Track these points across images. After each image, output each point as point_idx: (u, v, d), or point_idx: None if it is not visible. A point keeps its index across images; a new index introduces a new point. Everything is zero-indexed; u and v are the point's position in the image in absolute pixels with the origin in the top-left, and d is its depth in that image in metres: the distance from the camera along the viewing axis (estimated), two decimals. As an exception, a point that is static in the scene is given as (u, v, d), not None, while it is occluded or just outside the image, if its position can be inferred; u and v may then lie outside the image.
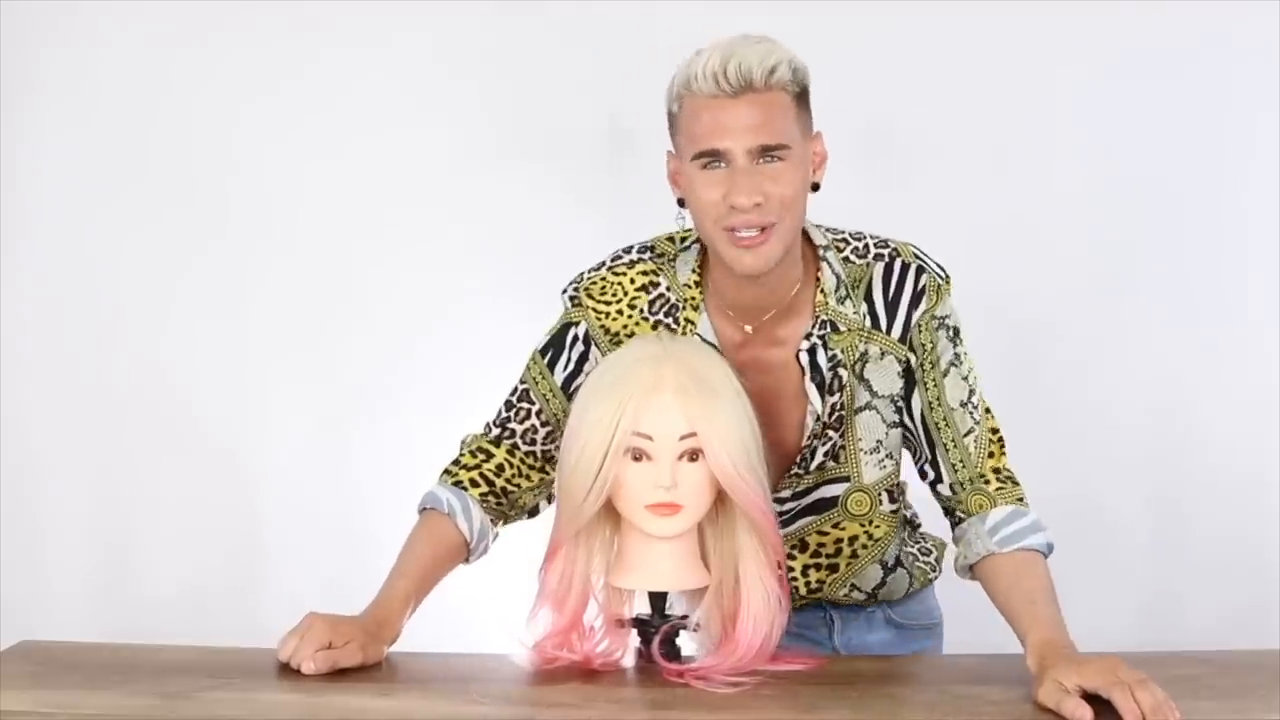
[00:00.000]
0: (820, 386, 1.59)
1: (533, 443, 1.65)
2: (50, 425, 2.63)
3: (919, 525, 1.80)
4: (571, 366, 1.64)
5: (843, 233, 1.64)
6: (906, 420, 1.62)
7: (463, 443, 1.68)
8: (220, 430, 2.62)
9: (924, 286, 1.59)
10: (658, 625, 1.48)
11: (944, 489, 1.60)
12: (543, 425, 1.65)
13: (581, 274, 1.66)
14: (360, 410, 2.60)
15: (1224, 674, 1.44)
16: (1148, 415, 2.56)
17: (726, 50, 1.47)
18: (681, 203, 1.57)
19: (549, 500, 1.68)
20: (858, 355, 1.60)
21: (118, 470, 2.62)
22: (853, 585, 1.72)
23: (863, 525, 1.67)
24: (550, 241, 2.43)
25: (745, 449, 1.43)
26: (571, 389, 1.62)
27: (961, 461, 1.59)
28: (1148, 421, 2.56)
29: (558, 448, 1.61)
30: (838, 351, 1.59)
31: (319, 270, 2.60)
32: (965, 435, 1.59)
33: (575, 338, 1.64)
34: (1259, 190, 2.52)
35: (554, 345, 1.65)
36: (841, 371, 1.59)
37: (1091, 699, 1.28)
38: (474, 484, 1.63)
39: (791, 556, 1.66)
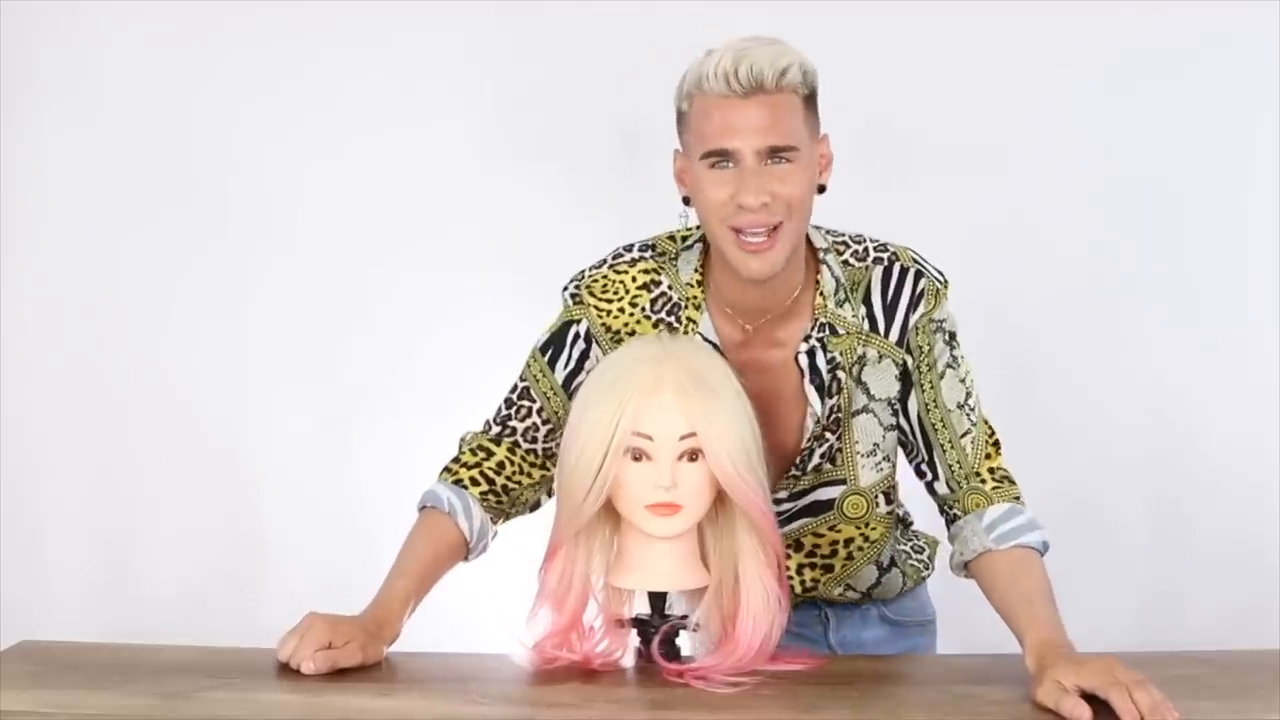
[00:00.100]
0: (820, 389, 1.59)
1: (534, 440, 1.65)
2: (50, 425, 2.63)
3: (911, 523, 1.81)
4: (572, 364, 1.64)
5: (843, 236, 1.64)
6: (903, 422, 1.63)
7: (462, 440, 1.68)
8: (220, 430, 2.62)
9: (922, 290, 1.60)
10: (657, 625, 1.48)
11: (940, 487, 1.60)
12: (544, 423, 1.65)
13: (582, 272, 1.66)
14: (360, 410, 2.60)
15: (1224, 674, 1.44)
16: (1148, 415, 2.56)
17: (738, 51, 1.48)
18: (687, 201, 1.57)
19: (549, 494, 1.68)
20: (855, 358, 1.60)
21: (118, 470, 2.62)
22: (847, 585, 1.72)
23: (859, 528, 1.67)
24: (550, 241, 2.43)
25: (745, 449, 1.44)
26: (572, 387, 1.62)
27: (958, 462, 1.59)
28: (1148, 422, 2.56)
29: (559, 445, 1.61)
30: (836, 354, 1.59)
31: (319, 270, 2.60)
32: (962, 436, 1.60)
33: (576, 335, 1.64)
34: (1259, 190, 2.52)
35: (554, 343, 1.65)
36: (840, 374, 1.60)
37: (1090, 699, 1.28)
38: (474, 482, 1.63)
39: (787, 555, 1.67)
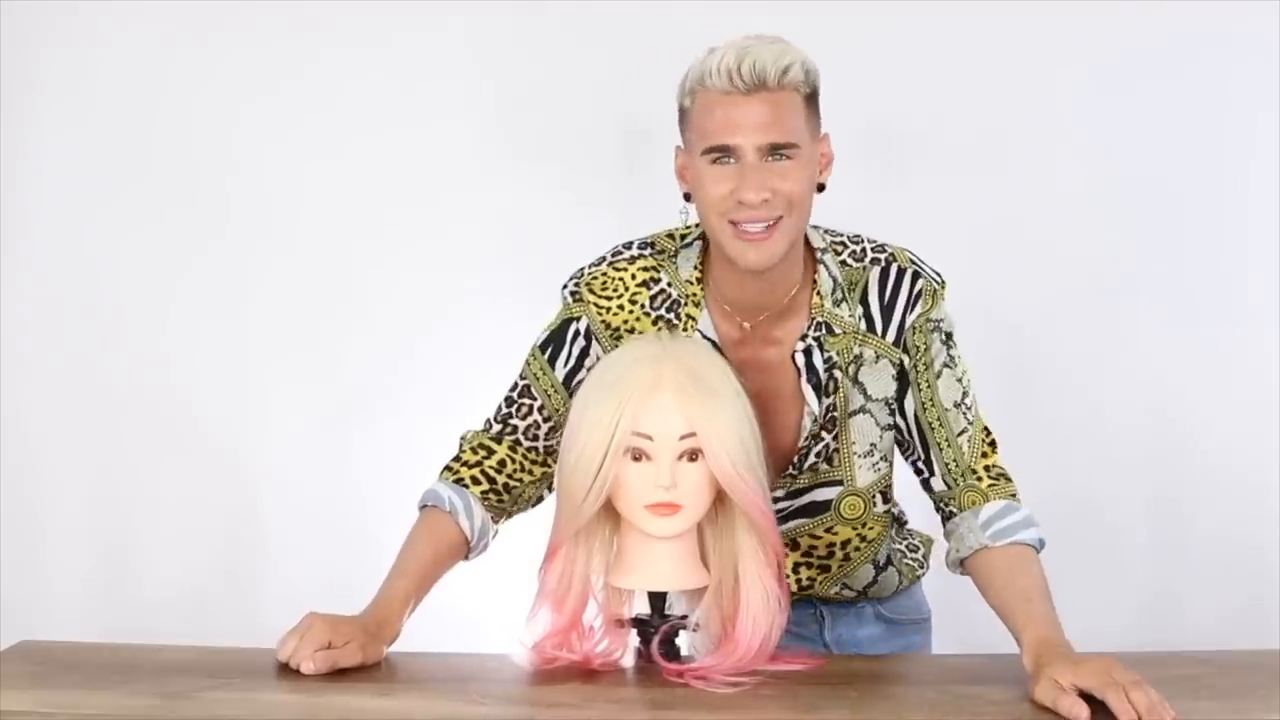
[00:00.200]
0: (816, 388, 1.60)
1: (535, 438, 1.65)
2: (50, 425, 2.63)
3: (906, 523, 1.82)
4: (573, 362, 1.64)
5: (841, 236, 1.64)
6: (900, 421, 1.63)
7: (462, 439, 1.68)
8: (220, 430, 2.61)
9: (919, 291, 1.60)
10: (657, 625, 1.48)
11: (937, 484, 1.61)
12: (545, 421, 1.65)
13: (581, 269, 1.66)
14: (360, 410, 2.60)
15: (1224, 674, 1.44)
16: (1148, 415, 2.56)
17: (741, 48, 1.49)
18: (687, 197, 1.58)
19: (550, 489, 1.68)
20: (852, 358, 1.60)
21: (118, 470, 2.62)
22: (844, 584, 1.73)
23: (855, 529, 1.67)
24: (550, 241, 2.43)
25: (745, 449, 1.44)
26: (573, 384, 1.63)
27: (954, 460, 1.60)
28: (1148, 422, 2.56)
29: (559, 442, 1.61)
30: (833, 354, 1.60)
31: (319, 270, 2.60)
32: (959, 435, 1.60)
33: (576, 333, 1.64)
34: (1259, 190, 2.52)
35: (554, 341, 1.66)
36: (836, 374, 1.60)
37: (1088, 700, 1.28)
38: (475, 481, 1.63)
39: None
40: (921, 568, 1.81)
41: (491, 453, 1.65)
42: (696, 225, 1.61)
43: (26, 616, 2.49)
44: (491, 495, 1.63)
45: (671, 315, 1.62)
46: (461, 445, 1.67)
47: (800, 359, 1.60)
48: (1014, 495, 1.59)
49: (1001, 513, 1.55)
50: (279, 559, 2.60)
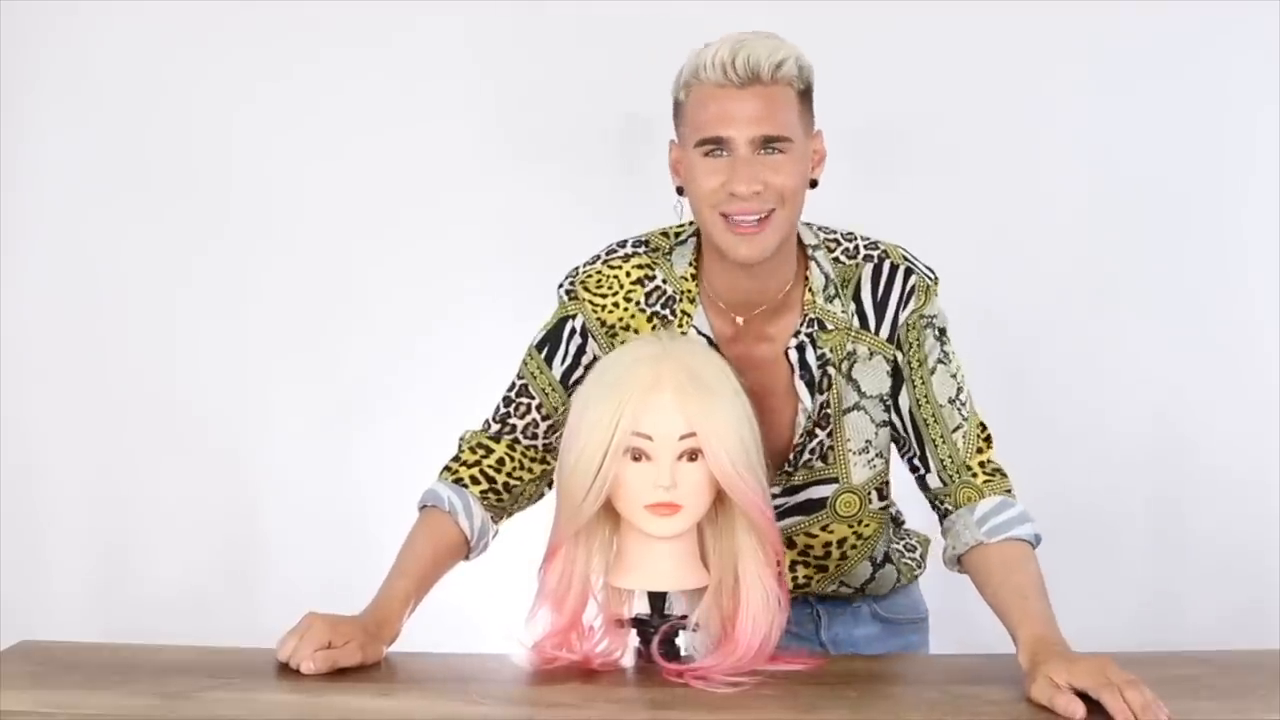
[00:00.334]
0: (810, 384, 1.60)
1: (533, 437, 1.66)
2: (50, 425, 2.63)
3: (903, 522, 1.81)
4: (569, 360, 1.65)
5: (834, 233, 1.65)
6: (894, 418, 1.63)
7: (461, 440, 1.68)
8: (220, 430, 2.61)
9: (912, 287, 1.61)
10: (657, 625, 1.48)
11: (933, 480, 1.61)
12: (543, 419, 1.65)
13: (576, 268, 1.66)
14: (360, 410, 2.60)
15: (1224, 674, 1.44)
16: (1148, 415, 2.56)
17: (736, 42, 1.50)
18: (680, 191, 1.59)
19: (550, 486, 1.68)
20: (845, 354, 1.61)
21: (118, 470, 2.62)
22: (841, 582, 1.73)
23: (851, 526, 1.67)
24: (550, 242, 2.41)
25: (745, 448, 1.44)
26: (570, 382, 1.64)
27: (950, 457, 1.60)
28: (1148, 422, 2.56)
29: (558, 440, 1.61)
30: (826, 350, 1.60)
31: (319, 270, 2.60)
32: (954, 431, 1.60)
33: (572, 330, 1.65)
34: (1259, 190, 2.52)
35: (551, 339, 1.66)
36: (830, 370, 1.60)
37: (1083, 699, 1.28)
38: (474, 480, 1.63)
39: None
40: (919, 567, 1.81)
41: (490, 452, 1.65)
42: (691, 223, 1.62)
43: (26, 616, 2.49)
44: (491, 494, 1.64)
45: (667, 311, 1.62)
46: (460, 445, 1.68)
47: (793, 355, 1.60)
48: (1009, 491, 1.59)
49: (997, 509, 1.56)
50: (279, 559, 2.60)
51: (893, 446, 1.67)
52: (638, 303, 1.63)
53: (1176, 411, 2.55)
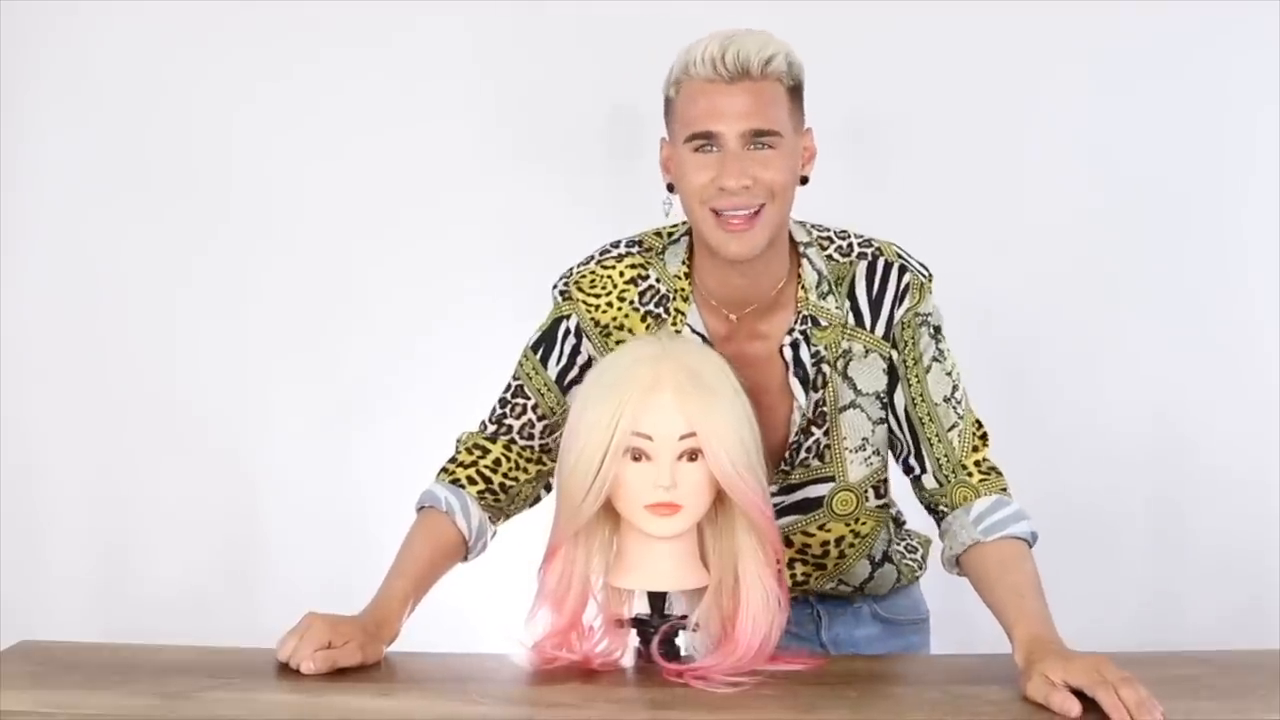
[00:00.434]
0: (804, 382, 1.60)
1: (529, 437, 1.66)
2: (50, 425, 2.63)
3: (904, 522, 1.81)
4: (564, 360, 1.65)
5: (827, 230, 1.65)
6: (890, 416, 1.63)
7: (458, 441, 1.68)
8: (220, 430, 2.61)
9: (907, 285, 1.61)
10: (657, 625, 1.48)
11: (929, 481, 1.61)
12: (539, 419, 1.65)
13: (570, 269, 1.67)
14: (360, 410, 2.60)
15: (1224, 674, 1.44)
16: (1147, 415, 2.56)
17: (725, 38, 1.51)
18: (670, 188, 1.59)
19: (548, 489, 1.68)
20: (840, 352, 1.61)
21: (118, 470, 2.62)
22: (840, 580, 1.73)
23: (848, 524, 1.67)
24: (551, 242, 2.41)
25: (745, 448, 1.44)
26: (565, 382, 1.64)
27: (945, 455, 1.60)
28: (1147, 422, 2.56)
29: (555, 440, 1.62)
30: (821, 348, 1.60)
31: (319, 270, 2.60)
32: (949, 430, 1.60)
33: (567, 331, 1.65)
34: (1259, 190, 2.52)
35: (546, 340, 1.66)
36: (825, 368, 1.60)
37: (1078, 697, 1.28)
38: (471, 481, 1.63)
39: None
40: (920, 568, 1.81)
41: (486, 452, 1.65)
42: (684, 223, 1.63)
43: (26, 616, 2.49)
44: (488, 495, 1.64)
45: (660, 310, 1.63)
46: (457, 447, 1.68)
47: (788, 352, 1.60)
48: (1005, 490, 1.59)
49: (993, 508, 1.56)
50: (279, 559, 2.60)
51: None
52: (631, 302, 1.64)
53: (1176, 411, 2.55)
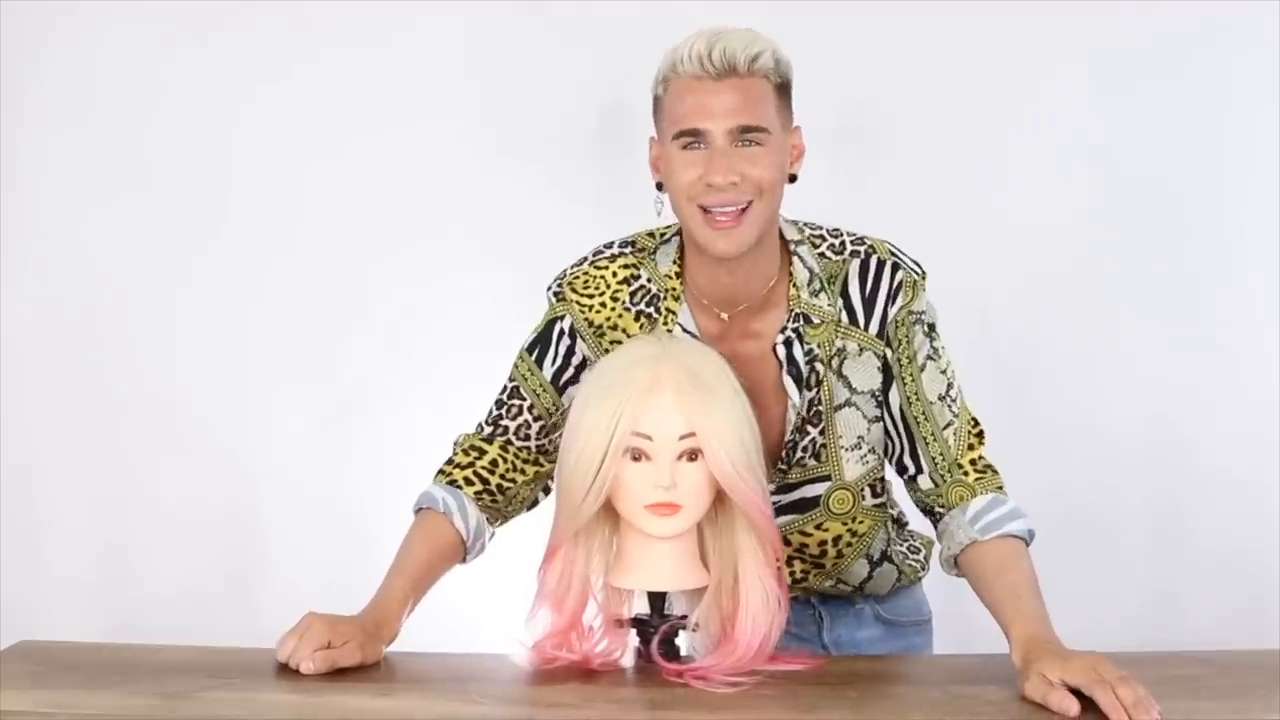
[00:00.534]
0: (797, 380, 1.60)
1: (526, 438, 1.66)
2: (50, 425, 2.63)
3: (906, 524, 1.81)
4: (559, 360, 1.65)
5: (820, 229, 1.65)
6: (885, 415, 1.63)
7: (455, 443, 1.69)
8: (220, 430, 2.61)
9: (900, 282, 1.61)
10: (657, 625, 1.48)
11: (924, 481, 1.61)
12: (535, 419, 1.66)
13: (564, 270, 1.68)
14: (360, 410, 2.60)
15: (1224, 674, 1.44)
16: (1147, 415, 2.56)
17: (712, 36, 1.52)
18: (660, 187, 1.60)
19: (546, 491, 1.68)
20: (835, 350, 1.61)
21: (118, 470, 2.62)
22: (839, 580, 1.73)
23: (845, 523, 1.67)
24: (551, 242, 2.41)
25: (745, 448, 1.44)
26: (561, 383, 1.65)
27: (941, 454, 1.60)
28: (1147, 422, 2.56)
29: (551, 441, 1.63)
30: (814, 346, 1.60)
31: (319, 270, 2.60)
32: (945, 428, 1.60)
33: (561, 332, 1.65)
34: (1259, 190, 2.51)
35: (541, 341, 1.67)
36: (819, 366, 1.60)
37: (1076, 696, 1.29)
38: (468, 482, 1.63)
39: None
40: (923, 569, 1.81)
41: (483, 453, 1.65)
42: (677, 223, 1.63)
43: (26, 616, 2.49)
44: (485, 496, 1.64)
45: (651, 310, 1.63)
46: (454, 449, 1.68)
47: (781, 351, 1.60)
48: (1000, 488, 1.59)
49: (989, 506, 1.56)
50: (279, 559, 2.60)
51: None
52: (623, 302, 1.64)
53: (1176, 411, 2.55)
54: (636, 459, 1.43)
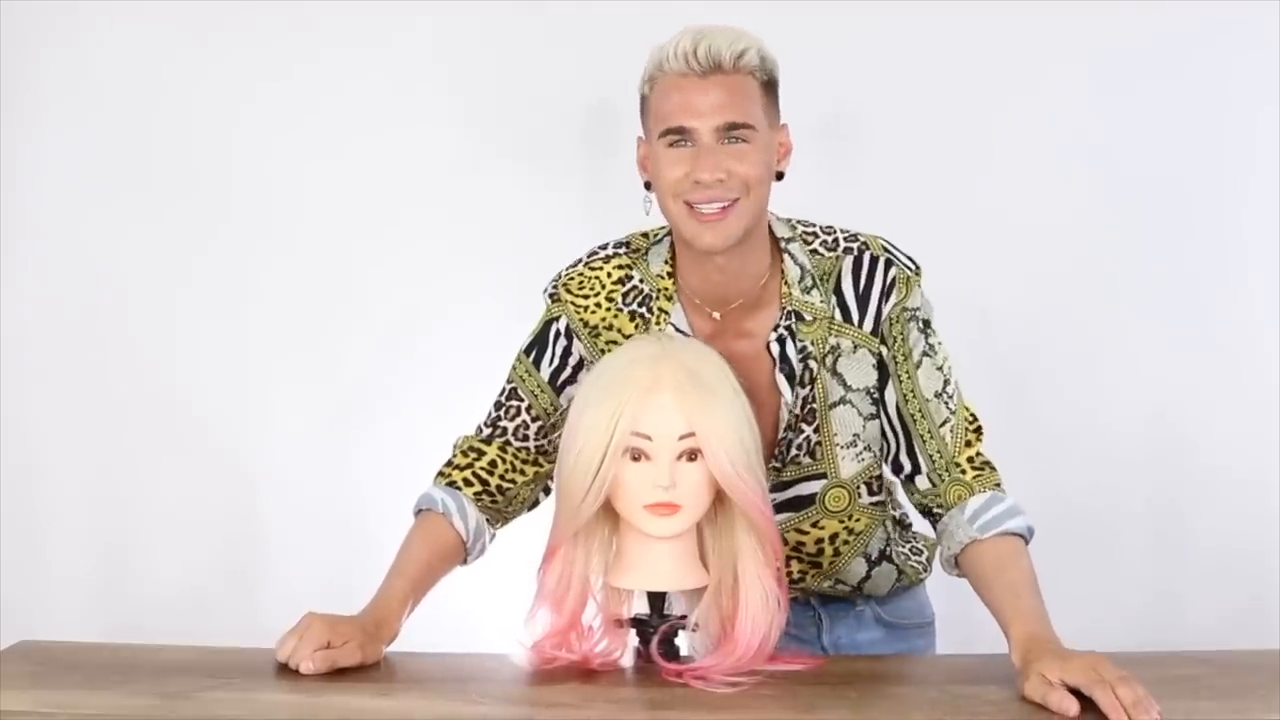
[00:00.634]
0: (790, 377, 1.60)
1: (525, 438, 1.66)
2: (50, 425, 2.63)
3: (909, 525, 1.81)
4: (556, 361, 1.66)
5: (813, 226, 1.66)
6: (881, 413, 1.63)
7: (455, 445, 1.69)
8: (220, 430, 2.61)
9: (894, 279, 1.61)
10: (656, 625, 1.48)
11: (922, 481, 1.61)
12: (533, 420, 1.66)
13: (559, 272, 1.69)
14: (360, 410, 2.60)
15: (1224, 674, 1.44)
16: (1147, 415, 2.55)
17: (697, 33, 1.53)
18: (648, 185, 1.60)
19: (546, 492, 1.68)
20: (828, 348, 1.61)
21: (118, 470, 2.62)
22: (837, 579, 1.73)
23: (842, 521, 1.67)
24: (551, 242, 2.41)
25: (744, 448, 1.44)
26: (558, 383, 1.65)
27: (938, 452, 1.60)
28: (1147, 422, 2.56)
29: (550, 441, 1.63)
30: (807, 343, 1.60)
31: (319, 270, 2.60)
32: (941, 425, 1.60)
33: (558, 332, 1.66)
34: (1259, 190, 2.51)
35: (538, 343, 1.68)
36: (812, 364, 1.60)
37: (1075, 696, 1.29)
38: (468, 483, 1.64)
39: None
40: (925, 571, 1.81)
41: (482, 454, 1.66)
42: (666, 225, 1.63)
43: (26, 616, 2.49)
44: (485, 496, 1.64)
45: (644, 310, 1.63)
46: (454, 451, 1.69)
47: (774, 349, 1.61)
48: (998, 485, 1.59)
49: (987, 504, 1.56)
50: (279, 559, 2.59)
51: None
52: (618, 303, 1.65)
53: (1176, 411, 2.55)
54: (636, 459, 1.43)
